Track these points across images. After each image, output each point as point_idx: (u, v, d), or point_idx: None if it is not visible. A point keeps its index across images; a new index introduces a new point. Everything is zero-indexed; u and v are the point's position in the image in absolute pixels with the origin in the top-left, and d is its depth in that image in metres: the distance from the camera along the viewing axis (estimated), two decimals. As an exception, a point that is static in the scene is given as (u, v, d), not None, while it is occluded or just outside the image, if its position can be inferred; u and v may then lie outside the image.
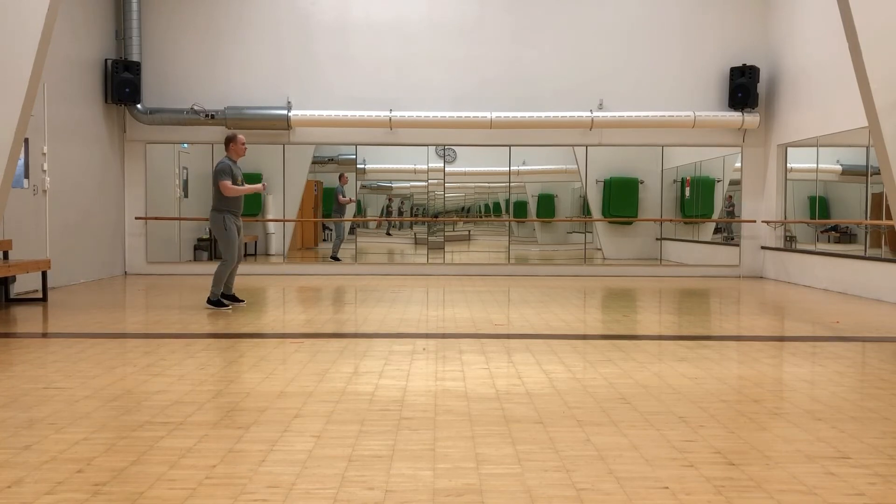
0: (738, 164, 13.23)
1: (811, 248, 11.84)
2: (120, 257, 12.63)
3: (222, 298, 8.08)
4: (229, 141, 8.07)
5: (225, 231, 7.86)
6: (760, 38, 12.80)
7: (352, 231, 14.43)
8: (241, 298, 8.40)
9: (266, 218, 13.86)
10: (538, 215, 15.08)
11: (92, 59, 11.71)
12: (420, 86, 12.74)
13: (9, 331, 6.81)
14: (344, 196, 13.80)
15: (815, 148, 11.56)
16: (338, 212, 13.89)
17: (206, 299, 8.16)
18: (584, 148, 13.21)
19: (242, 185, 8.01)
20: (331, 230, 15.96)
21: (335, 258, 13.61)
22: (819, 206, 11.79)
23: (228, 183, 7.79)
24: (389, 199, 15.34)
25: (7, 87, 6.25)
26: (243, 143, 8.11)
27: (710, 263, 13.58)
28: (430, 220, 13.89)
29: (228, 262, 7.92)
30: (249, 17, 12.72)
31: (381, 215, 15.58)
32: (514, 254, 13.73)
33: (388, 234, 15.52)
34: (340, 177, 13.85)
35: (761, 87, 12.69)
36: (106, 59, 12.04)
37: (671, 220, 14.07)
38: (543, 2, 12.82)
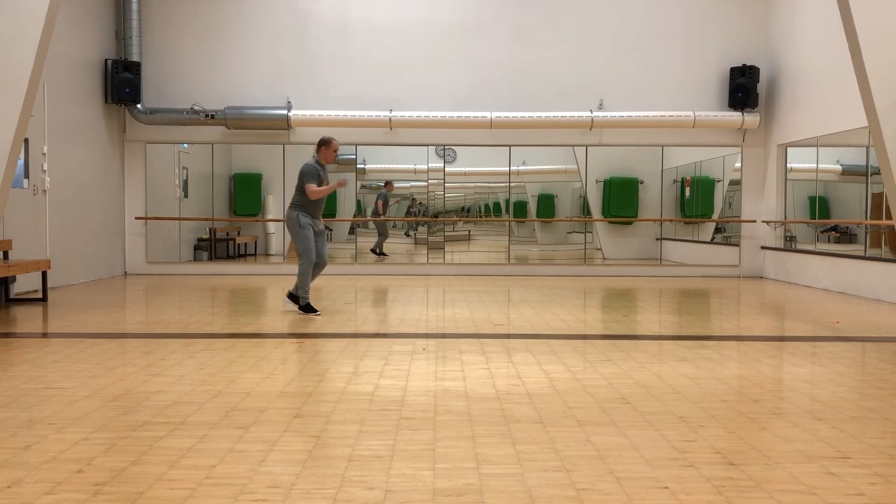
0: (738, 164, 13.23)
1: (811, 248, 11.84)
2: (120, 257, 12.63)
3: (288, 297, 7.79)
4: (322, 144, 7.69)
5: (299, 228, 7.51)
6: (760, 38, 12.80)
7: (351, 231, 14.44)
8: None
9: (266, 218, 13.86)
10: (538, 215, 15.08)
11: (92, 59, 11.71)
12: (420, 86, 12.74)
13: (9, 331, 6.81)
14: (387, 203, 14.28)
15: (815, 148, 11.56)
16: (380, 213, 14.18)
17: (297, 305, 7.70)
18: (584, 148, 13.21)
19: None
20: (331, 230, 16.00)
21: (382, 254, 13.78)
22: (819, 206, 11.79)
23: (314, 186, 7.47)
24: (412, 200, 15.30)
25: (7, 87, 6.25)
26: (336, 150, 7.72)
27: (710, 263, 13.58)
28: (429, 220, 13.89)
29: (308, 261, 7.55)
30: (249, 17, 12.72)
31: (405, 215, 15.61)
32: (514, 254, 13.73)
33: (408, 234, 15.48)
34: (387, 184, 14.08)
35: (761, 87, 12.69)
36: (106, 59, 12.04)
37: (671, 220, 14.07)
38: (543, 2, 12.82)
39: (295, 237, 7.62)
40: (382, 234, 14.28)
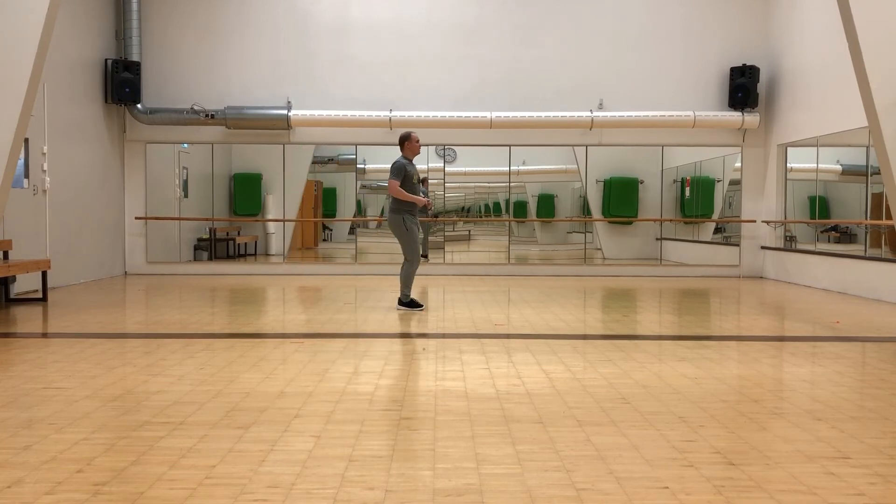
0: (738, 164, 13.23)
1: (811, 248, 11.84)
2: (120, 257, 12.63)
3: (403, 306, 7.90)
4: (404, 140, 7.78)
5: (406, 232, 7.62)
6: (760, 38, 12.80)
7: (351, 231, 14.44)
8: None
9: (266, 218, 13.87)
10: (538, 215, 15.08)
11: (92, 59, 11.71)
12: (420, 86, 12.74)
13: (9, 331, 6.81)
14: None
15: (815, 148, 11.56)
16: (421, 212, 14.12)
17: (397, 300, 8.03)
18: (584, 148, 13.21)
19: (418, 184, 7.76)
20: (331, 230, 16.00)
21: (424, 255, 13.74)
22: (819, 206, 11.79)
23: (397, 184, 7.51)
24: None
25: (7, 87, 6.25)
26: (418, 142, 7.81)
27: (710, 263, 13.58)
28: (429, 221, 13.89)
29: (414, 262, 7.71)
30: (249, 17, 12.72)
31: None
32: (514, 254, 13.73)
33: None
34: (423, 181, 13.99)
35: (761, 87, 12.69)
36: (106, 59, 12.04)
37: (671, 220, 14.07)
38: (543, 2, 12.82)
39: (403, 241, 7.68)
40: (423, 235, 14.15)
